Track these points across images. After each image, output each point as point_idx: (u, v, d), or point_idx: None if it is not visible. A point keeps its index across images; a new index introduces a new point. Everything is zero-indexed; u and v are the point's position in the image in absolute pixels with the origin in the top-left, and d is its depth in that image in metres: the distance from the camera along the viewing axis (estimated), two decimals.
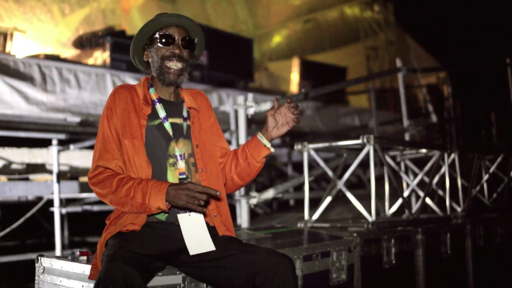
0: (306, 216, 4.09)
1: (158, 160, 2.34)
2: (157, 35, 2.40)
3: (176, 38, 2.40)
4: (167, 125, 2.39)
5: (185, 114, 2.48)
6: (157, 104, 2.41)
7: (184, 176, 2.34)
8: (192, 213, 2.30)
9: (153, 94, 2.44)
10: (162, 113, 2.40)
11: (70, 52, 7.80)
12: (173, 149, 2.36)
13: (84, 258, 2.38)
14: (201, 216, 2.32)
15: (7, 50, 6.72)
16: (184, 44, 2.42)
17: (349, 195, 3.98)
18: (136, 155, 2.30)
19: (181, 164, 2.35)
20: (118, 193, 2.21)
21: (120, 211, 2.28)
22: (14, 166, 5.85)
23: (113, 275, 1.88)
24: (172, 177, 2.34)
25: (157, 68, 2.40)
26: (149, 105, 2.40)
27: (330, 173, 4.19)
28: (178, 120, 2.44)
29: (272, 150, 2.50)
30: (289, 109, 2.43)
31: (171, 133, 2.38)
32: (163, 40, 2.39)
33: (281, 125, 2.46)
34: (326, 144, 4.08)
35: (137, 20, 10.40)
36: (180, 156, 2.36)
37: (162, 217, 2.31)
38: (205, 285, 2.32)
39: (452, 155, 4.75)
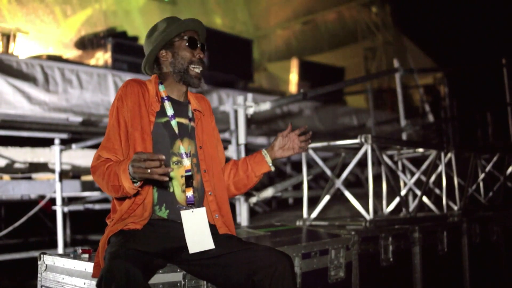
0: (305, 215, 4.09)
1: None
2: (185, 37, 2.45)
3: (198, 42, 2.48)
4: (173, 123, 2.39)
5: (190, 115, 2.49)
6: (166, 101, 2.42)
7: (190, 174, 2.34)
8: (195, 210, 2.31)
9: (162, 91, 2.45)
10: (170, 111, 2.40)
11: (72, 53, 7.79)
12: (178, 147, 2.37)
13: (86, 255, 2.38)
14: (204, 213, 2.32)
15: (10, 51, 6.71)
16: (202, 49, 2.50)
17: (347, 194, 3.98)
18: (143, 149, 2.29)
19: (187, 162, 2.36)
20: (106, 179, 2.16)
21: (123, 210, 2.27)
22: (17, 165, 5.85)
23: (115, 272, 1.88)
24: (175, 175, 2.34)
25: (180, 70, 2.43)
26: (159, 102, 2.40)
27: (328, 172, 4.19)
28: (184, 120, 2.45)
29: (273, 169, 2.56)
30: (299, 137, 2.52)
31: (177, 131, 2.38)
32: (190, 43, 2.45)
33: (287, 148, 2.53)
34: (324, 144, 4.08)
35: (138, 22, 10.39)
36: (186, 154, 2.37)
37: (164, 214, 2.32)
38: (205, 282, 2.32)
39: (449, 155, 4.74)
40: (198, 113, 2.51)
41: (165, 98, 2.43)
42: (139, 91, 2.38)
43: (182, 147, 2.37)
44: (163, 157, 1.95)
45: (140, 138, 2.29)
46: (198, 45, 2.48)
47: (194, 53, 2.45)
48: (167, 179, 1.98)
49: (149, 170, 1.95)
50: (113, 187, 2.14)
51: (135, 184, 2.08)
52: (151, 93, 2.40)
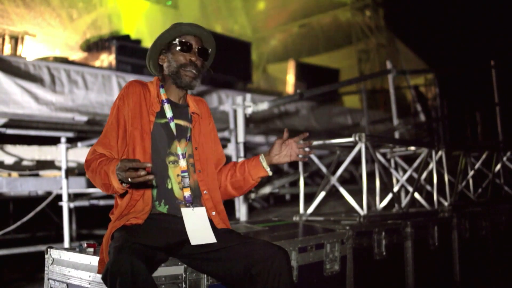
0: (301, 210, 4.09)
1: (159, 156, 2.36)
2: (176, 42, 2.43)
3: (193, 46, 2.46)
4: (172, 125, 2.40)
5: (189, 117, 2.50)
6: (166, 104, 2.43)
7: (185, 174, 2.34)
8: (196, 208, 2.32)
9: (163, 94, 2.45)
10: (169, 113, 2.41)
11: (78, 55, 7.78)
12: (175, 148, 2.37)
13: (91, 249, 2.39)
14: (203, 210, 2.33)
15: (18, 53, 6.70)
16: (200, 53, 2.48)
17: (342, 190, 3.98)
18: (142, 147, 2.30)
19: (183, 163, 2.36)
20: (98, 176, 2.17)
21: (123, 206, 2.27)
22: (25, 163, 5.84)
23: (120, 266, 1.87)
24: (172, 173, 2.34)
25: (173, 73, 2.43)
26: (160, 103, 2.41)
27: (324, 169, 4.19)
28: (182, 122, 2.45)
29: (270, 173, 2.53)
30: (298, 145, 2.45)
31: (175, 133, 2.39)
32: (182, 47, 2.43)
33: (284, 155, 2.48)
34: (320, 142, 4.08)
35: (142, 25, 10.37)
36: (182, 155, 2.37)
37: (164, 209, 2.32)
38: (205, 275, 2.32)
39: (440, 152, 4.75)
40: (196, 115, 2.52)
41: (165, 100, 2.43)
42: (140, 91, 2.38)
43: (179, 148, 2.38)
44: (149, 165, 1.94)
45: (140, 137, 2.30)
46: (193, 49, 2.45)
47: (187, 56, 2.43)
48: (150, 178, 1.95)
49: (129, 180, 1.97)
50: (104, 185, 2.16)
51: (123, 185, 2.09)
52: (153, 94, 2.41)
